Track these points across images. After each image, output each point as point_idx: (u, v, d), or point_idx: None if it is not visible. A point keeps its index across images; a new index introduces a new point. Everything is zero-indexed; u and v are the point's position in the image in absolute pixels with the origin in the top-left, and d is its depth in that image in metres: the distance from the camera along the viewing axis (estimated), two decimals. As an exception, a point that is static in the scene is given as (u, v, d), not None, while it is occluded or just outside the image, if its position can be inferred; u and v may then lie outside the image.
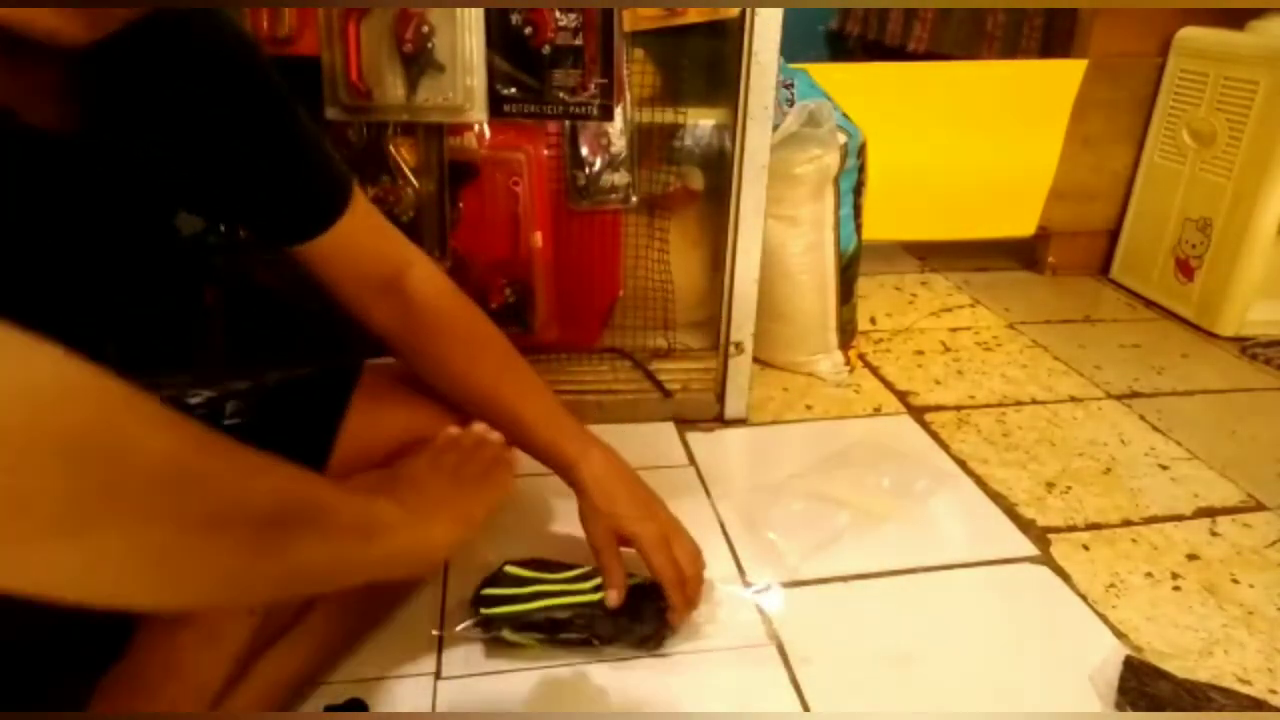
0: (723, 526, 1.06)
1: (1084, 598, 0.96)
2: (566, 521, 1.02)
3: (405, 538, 0.55)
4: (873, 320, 1.70)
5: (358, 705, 0.75)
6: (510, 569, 0.87)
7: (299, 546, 0.43)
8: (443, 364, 0.83)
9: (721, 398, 1.28)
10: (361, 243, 0.77)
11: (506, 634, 0.82)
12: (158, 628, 0.66)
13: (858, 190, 1.42)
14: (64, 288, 0.60)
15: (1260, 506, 1.15)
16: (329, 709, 0.74)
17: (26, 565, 0.31)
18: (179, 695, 0.64)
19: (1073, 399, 1.42)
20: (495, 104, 1.06)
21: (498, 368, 0.84)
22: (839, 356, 1.46)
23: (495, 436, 0.78)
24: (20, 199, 0.54)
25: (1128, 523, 1.10)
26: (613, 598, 0.82)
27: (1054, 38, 1.87)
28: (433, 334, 0.82)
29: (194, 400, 0.80)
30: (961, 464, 1.22)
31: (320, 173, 0.75)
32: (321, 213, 0.74)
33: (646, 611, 0.84)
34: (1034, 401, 1.41)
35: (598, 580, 0.84)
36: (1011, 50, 1.95)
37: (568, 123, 1.13)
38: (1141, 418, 1.36)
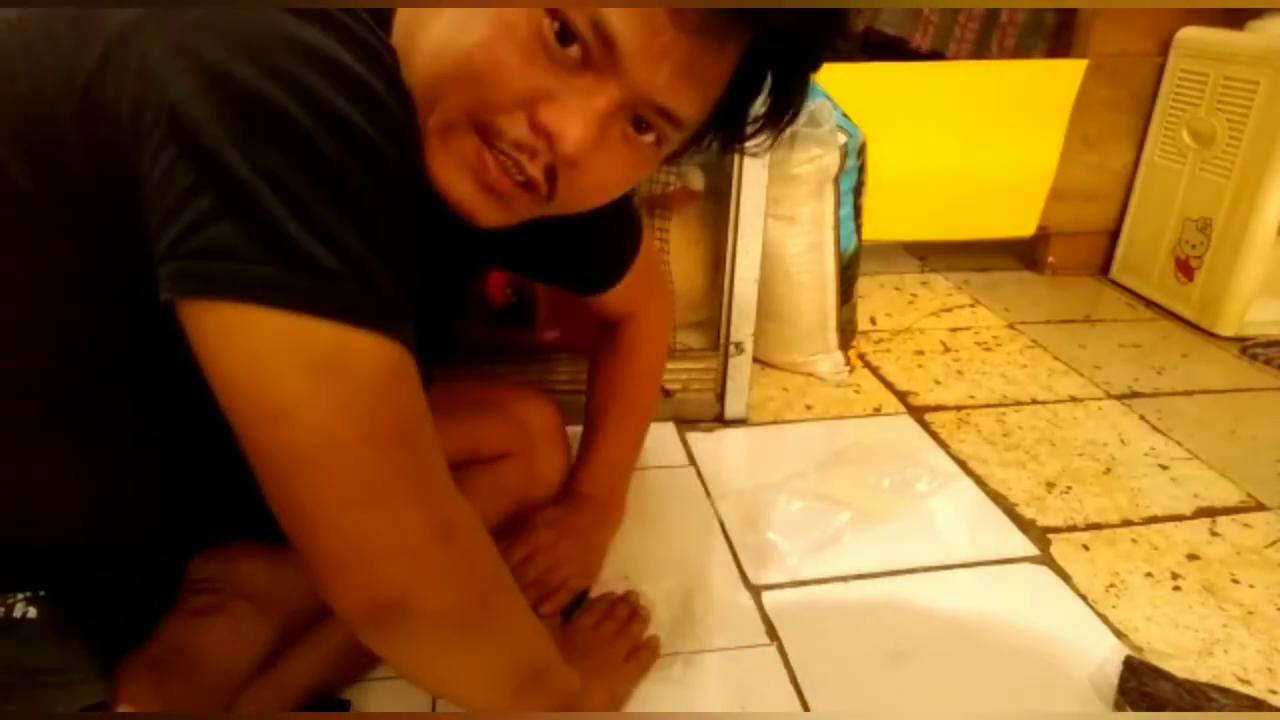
0: (723, 526, 1.06)
1: (1084, 598, 0.97)
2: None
3: (582, 703, 0.68)
4: (873, 320, 1.70)
5: (339, 705, 0.76)
6: None
7: (535, 698, 0.60)
8: (599, 367, 1.00)
9: (721, 398, 1.29)
10: (627, 290, 0.91)
11: None
12: (185, 618, 0.67)
13: (857, 190, 1.42)
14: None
15: (1260, 506, 1.15)
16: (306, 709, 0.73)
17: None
18: (200, 682, 0.65)
19: (1073, 399, 1.42)
20: (495, 104, 1.06)
21: (621, 398, 0.99)
22: (839, 356, 1.46)
23: (644, 615, 0.87)
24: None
25: (1128, 523, 1.10)
26: None
27: (1053, 37, 1.87)
28: (609, 350, 0.98)
29: None
30: (961, 464, 1.22)
31: (627, 232, 0.89)
32: (619, 268, 0.89)
33: None
34: (1034, 401, 1.41)
35: None
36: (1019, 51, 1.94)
37: (568, 123, 1.13)
38: (1141, 418, 1.36)
